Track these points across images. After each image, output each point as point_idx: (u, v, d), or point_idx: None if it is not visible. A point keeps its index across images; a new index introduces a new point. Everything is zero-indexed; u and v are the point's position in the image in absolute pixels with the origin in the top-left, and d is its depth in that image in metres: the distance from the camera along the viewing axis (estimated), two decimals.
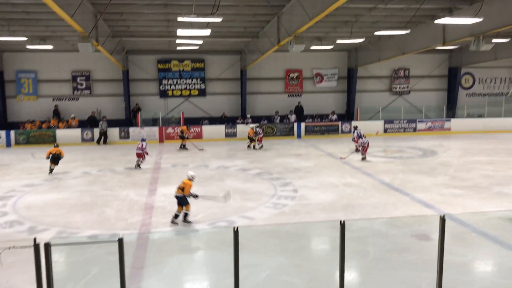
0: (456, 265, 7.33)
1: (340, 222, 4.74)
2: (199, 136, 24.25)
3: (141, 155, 16.29)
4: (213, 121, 26.13)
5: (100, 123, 23.56)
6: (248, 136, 21.05)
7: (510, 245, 8.46)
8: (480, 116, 27.71)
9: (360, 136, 17.20)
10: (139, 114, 25.17)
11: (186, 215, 9.74)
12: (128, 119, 25.84)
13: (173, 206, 11.08)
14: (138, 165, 16.33)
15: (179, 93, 26.75)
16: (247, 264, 7.21)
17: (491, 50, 21.69)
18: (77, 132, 23.64)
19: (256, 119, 25.54)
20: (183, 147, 21.11)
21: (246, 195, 12.14)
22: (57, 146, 15.96)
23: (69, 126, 24.22)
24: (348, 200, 11.65)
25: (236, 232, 4.74)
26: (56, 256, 6.98)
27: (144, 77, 26.43)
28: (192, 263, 8.02)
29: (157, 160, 18.14)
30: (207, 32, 16.01)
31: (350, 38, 20.05)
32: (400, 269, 7.39)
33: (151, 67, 26.44)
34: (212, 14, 13.47)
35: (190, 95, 26.88)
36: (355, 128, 19.52)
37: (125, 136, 23.80)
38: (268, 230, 9.31)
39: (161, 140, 23.94)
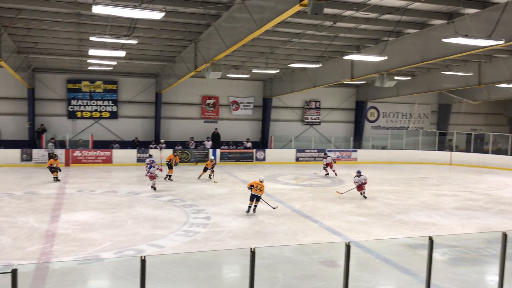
0: None
1: (251, 249, 4.73)
2: (108, 160, 23.31)
3: (150, 177, 16.56)
4: (124, 145, 25.30)
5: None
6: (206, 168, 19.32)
7: (409, 270, 8.95)
8: (383, 147, 29.57)
9: (359, 173, 16.39)
10: (44, 135, 23.72)
11: (256, 207, 13.09)
12: (32, 141, 24.22)
13: (78, 233, 10.48)
14: (152, 187, 16.47)
15: (88, 114, 25.66)
16: None
17: (394, 87, 23.46)
18: None
19: (170, 144, 25.15)
20: (168, 178, 18.80)
21: (157, 223, 11.78)
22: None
23: None
24: (260, 227, 11.73)
25: (143, 261, 4.55)
26: None
27: (52, 97, 25.06)
28: None
29: (61, 185, 17.09)
30: (121, 53, 15.65)
31: (265, 68, 20.64)
32: None
33: (60, 86, 25.17)
34: (127, 36, 13.22)
35: (100, 117, 25.88)
36: (325, 154, 22.36)
37: (28, 158, 22.21)
38: (178, 259, 9.05)
39: (67, 164, 22.63)
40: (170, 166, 19.04)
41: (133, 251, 9.47)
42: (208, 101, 27.62)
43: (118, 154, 23.66)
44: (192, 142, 25.86)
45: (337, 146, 28.97)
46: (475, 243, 10.86)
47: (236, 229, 11.37)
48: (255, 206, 13.11)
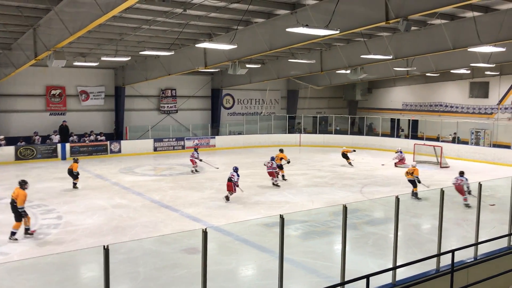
0: (222, 273, 7.80)
1: (104, 247, 4.51)
2: None
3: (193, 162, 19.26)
4: None
5: None
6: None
7: (266, 248, 9.45)
8: (240, 133, 30.56)
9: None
10: None
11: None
12: None
13: None
14: (193, 170, 19.13)
15: None
16: None
17: (246, 74, 24.29)
18: None
19: (11, 141, 22.75)
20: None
21: None
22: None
23: None
24: (118, 222, 11.33)
25: None
26: None
27: None
28: None
29: None
30: None
31: (115, 56, 19.71)
32: (170, 285, 7.49)
33: None
34: None
35: None
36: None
37: None
38: (26, 265, 8.30)
39: None
40: (280, 166, 17.08)
41: None
42: (53, 92, 25.50)
43: None
44: (38, 137, 23.72)
45: (196, 134, 29.13)
46: (323, 217, 11.88)
47: (91, 227, 10.82)
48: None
